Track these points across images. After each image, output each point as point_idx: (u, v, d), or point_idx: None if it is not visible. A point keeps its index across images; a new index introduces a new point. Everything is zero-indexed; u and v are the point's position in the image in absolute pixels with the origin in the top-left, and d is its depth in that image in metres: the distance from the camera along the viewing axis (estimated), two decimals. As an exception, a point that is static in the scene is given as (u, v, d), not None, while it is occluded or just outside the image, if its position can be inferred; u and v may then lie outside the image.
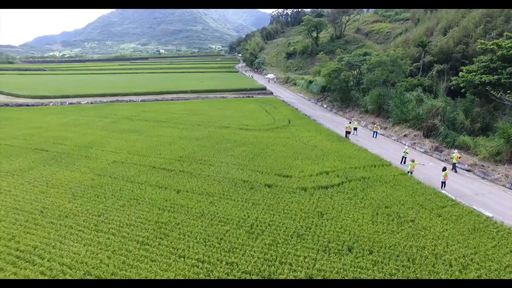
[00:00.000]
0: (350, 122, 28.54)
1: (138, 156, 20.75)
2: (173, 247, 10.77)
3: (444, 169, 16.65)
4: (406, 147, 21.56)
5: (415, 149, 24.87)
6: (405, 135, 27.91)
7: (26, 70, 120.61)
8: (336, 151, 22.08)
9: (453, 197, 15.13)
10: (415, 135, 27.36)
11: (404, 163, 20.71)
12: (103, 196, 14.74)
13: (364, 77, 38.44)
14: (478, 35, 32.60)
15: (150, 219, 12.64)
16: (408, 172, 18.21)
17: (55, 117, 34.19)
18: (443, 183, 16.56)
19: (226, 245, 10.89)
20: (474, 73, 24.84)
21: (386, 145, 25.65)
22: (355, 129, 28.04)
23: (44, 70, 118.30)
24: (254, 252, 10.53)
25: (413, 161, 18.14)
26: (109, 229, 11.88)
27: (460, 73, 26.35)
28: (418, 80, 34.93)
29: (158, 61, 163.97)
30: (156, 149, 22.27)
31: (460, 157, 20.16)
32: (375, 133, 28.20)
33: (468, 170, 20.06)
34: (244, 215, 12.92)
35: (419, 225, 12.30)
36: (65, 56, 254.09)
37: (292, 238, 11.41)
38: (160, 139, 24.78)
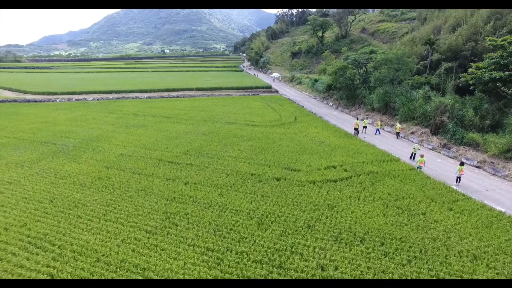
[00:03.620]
0: (357, 119, 28.33)
1: (145, 150, 20.77)
2: (182, 236, 10.73)
3: (462, 164, 16.41)
4: (416, 143, 21.28)
5: (423, 146, 24.62)
6: (412, 132, 27.65)
7: (33, 68, 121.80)
8: (344, 146, 21.93)
9: (464, 192, 14.92)
10: (422, 132, 27.09)
11: (413, 159, 20.52)
12: (111, 187, 14.75)
13: (370, 75, 38.25)
14: (488, 33, 32.20)
15: (158, 210, 12.62)
16: (417, 167, 18.02)
17: (62, 113, 34.40)
18: (458, 178, 16.37)
19: (235, 235, 10.82)
20: (484, 70, 24.53)
21: (393, 142, 25.44)
22: (365, 127, 27.82)
23: (51, 69, 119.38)
24: (264, 242, 10.45)
25: (422, 156, 17.93)
26: (117, 219, 11.87)
27: (470, 70, 26.07)
28: (425, 78, 34.63)
29: (163, 60, 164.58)
30: (162, 143, 22.28)
31: (402, 128, 27.19)
32: (377, 130, 27.98)
33: (477, 167, 19.78)
34: (253, 207, 12.84)
35: (430, 218, 12.13)
36: (71, 55, 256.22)
37: (302, 229, 11.31)
38: (167, 134, 24.80)
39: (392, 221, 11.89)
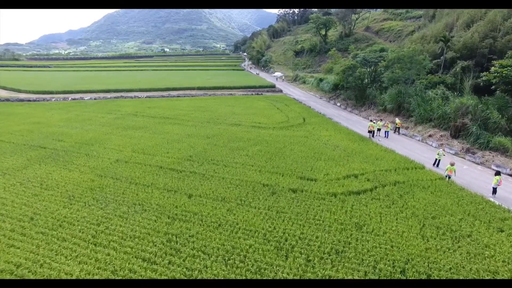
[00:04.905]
0: (371, 121, 26.43)
1: (144, 155, 18.88)
2: (186, 268, 8.82)
3: (498, 173, 14.56)
4: (440, 149, 19.31)
5: (444, 150, 22.71)
6: (430, 135, 25.78)
7: (31, 67, 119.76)
8: (361, 151, 20.05)
9: (507, 207, 13.03)
10: (441, 136, 25.23)
11: (437, 165, 18.65)
12: (104, 201, 12.85)
13: (381, 75, 36.43)
14: (508, 29, 30.39)
15: (158, 230, 10.72)
16: (446, 176, 16.15)
17: (56, 113, 32.48)
18: (494, 189, 14.50)
19: (251, 265, 8.94)
20: (509, 68, 22.72)
21: (410, 146, 23.57)
22: (379, 130, 25.96)
23: (49, 67, 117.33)
24: (287, 274, 8.57)
25: (452, 164, 16.03)
26: (109, 242, 9.98)
27: (493, 68, 24.33)
28: (439, 77, 32.77)
29: (163, 59, 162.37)
30: (163, 147, 20.39)
31: (401, 123, 27.51)
32: (386, 132, 26.07)
33: (511, 175, 17.91)
34: (269, 226, 10.96)
35: (479, 242, 10.25)
36: (70, 54, 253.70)
37: (330, 255, 9.43)
38: (167, 137, 22.91)
39: (435, 246, 10.02)
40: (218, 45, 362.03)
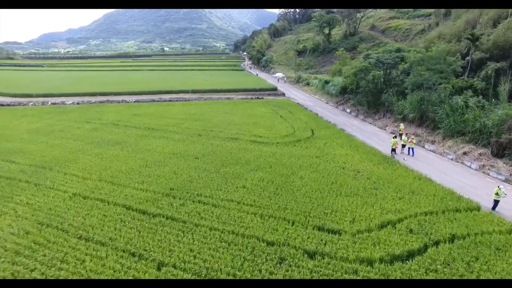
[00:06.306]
0: (394, 137, 21.99)
1: (112, 186, 14.55)
2: None
3: None
4: (502, 186, 13.75)
5: (488, 175, 18.39)
6: (465, 153, 21.48)
7: (24, 66, 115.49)
8: (389, 180, 15.71)
9: None
10: (480, 154, 20.89)
11: (495, 208, 13.59)
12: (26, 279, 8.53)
13: (397, 77, 32.18)
14: (551, 26, 26.12)
15: None
16: (516, 223, 11.80)
17: (26, 121, 28.18)
18: None
19: None
20: None
21: (444, 168, 19.23)
22: (403, 146, 21.61)
23: (42, 66, 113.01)
24: None
25: (525, 207, 11.66)
26: None
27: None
28: (466, 81, 28.41)
29: (162, 58, 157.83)
30: (139, 173, 16.05)
31: (405, 130, 25.49)
32: (410, 149, 21.56)
33: None
34: None
35: None
36: (69, 53, 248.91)
37: None
38: (147, 157, 18.57)
39: None
40: (218, 45, 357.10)
